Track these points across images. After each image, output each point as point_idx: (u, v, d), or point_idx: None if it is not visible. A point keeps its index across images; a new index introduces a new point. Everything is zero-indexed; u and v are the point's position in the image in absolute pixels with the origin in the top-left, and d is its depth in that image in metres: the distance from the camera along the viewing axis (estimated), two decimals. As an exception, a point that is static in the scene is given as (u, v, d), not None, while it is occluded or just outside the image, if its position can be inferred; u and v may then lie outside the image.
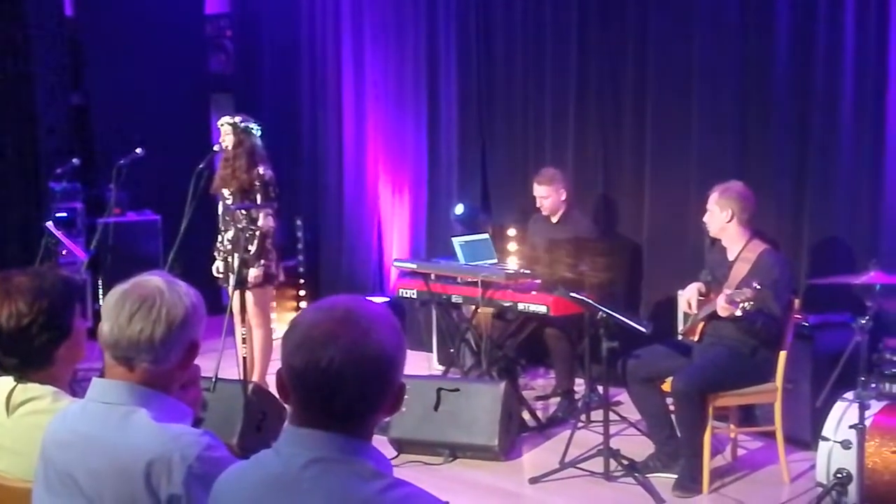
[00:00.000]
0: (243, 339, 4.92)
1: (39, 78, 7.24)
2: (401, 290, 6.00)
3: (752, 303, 4.09)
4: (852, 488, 3.88)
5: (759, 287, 4.08)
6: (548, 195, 5.72)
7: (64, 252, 6.47)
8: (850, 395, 4.02)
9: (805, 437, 4.76)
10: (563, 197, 5.75)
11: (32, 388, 2.25)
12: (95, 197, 7.40)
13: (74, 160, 6.42)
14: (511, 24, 6.67)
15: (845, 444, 3.92)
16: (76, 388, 2.48)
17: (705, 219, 4.64)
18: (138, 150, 5.70)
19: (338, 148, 7.90)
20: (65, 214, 6.96)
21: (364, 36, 7.68)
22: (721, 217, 4.53)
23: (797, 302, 4.58)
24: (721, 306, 4.22)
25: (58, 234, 6.00)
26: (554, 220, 5.79)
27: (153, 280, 1.98)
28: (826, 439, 4.03)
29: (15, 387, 2.25)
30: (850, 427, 3.85)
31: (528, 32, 6.58)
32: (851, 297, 4.74)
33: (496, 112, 6.84)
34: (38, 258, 5.83)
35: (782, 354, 4.48)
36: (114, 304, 1.95)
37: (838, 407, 4.06)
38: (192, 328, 1.99)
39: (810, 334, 4.80)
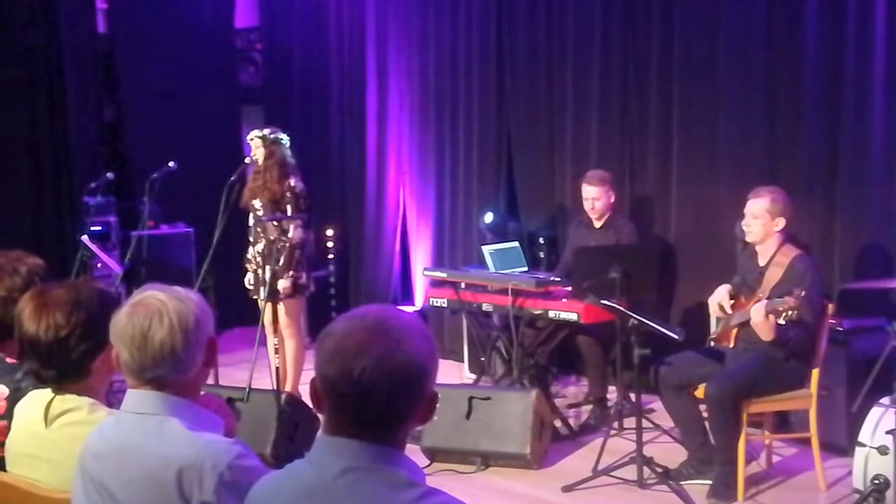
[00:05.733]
0: (276, 349, 4.96)
1: (73, 93, 7.34)
2: (431, 299, 6.01)
3: (795, 311, 4.06)
4: (890, 494, 3.84)
5: (803, 294, 4.05)
6: (599, 196, 5.64)
7: (99, 265, 6.56)
8: (886, 400, 3.98)
9: (841, 442, 4.71)
10: (612, 199, 5.70)
11: (70, 400, 2.27)
12: (129, 210, 7.48)
13: (108, 174, 6.51)
14: (533, 32, 6.67)
15: (882, 450, 3.87)
16: (112, 399, 2.50)
17: (747, 225, 4.55)
18: (171, 164, 5.76)
19: (366, 158, 7.95)
20: (99, 228, 7.04)
21: (389, 46, 7.73)
22: (770, 225, 4.47)
23: (831, 306, 4.54)
24: (759, 314, 4.18)
25: (93, 247, 6.08)
26: (597, 224, 5.74)
27: (151, 295, 1.98)
28: (862, 445, 3.99)
29: (53, 398, 2.27)
30: (887, 432, 3.81)
31: (551, 39, 6.58)
32: (886, 301, 4.69)
33: (520, 119, 6.84)
34: (73, 271, 5.90)
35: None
36: (122, 329, 1.95)
37: (874, 412, 4.02)
38: (206, 326, 2.00)
39: (845, 339, 4.74)
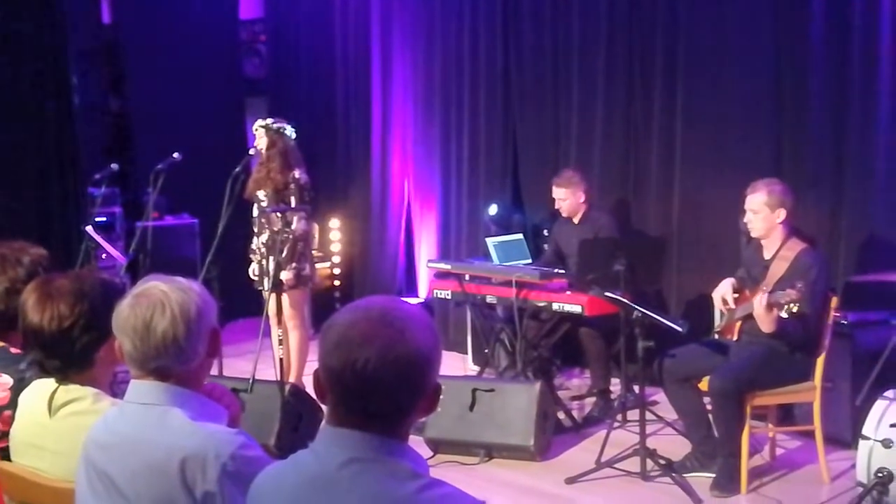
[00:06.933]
0: (280, 340, 4.96)
1: (77, 84, 7.34)
2: (435, 291, 6.01)
3: (797, 304, 4.05)
4: (893, 487, 3.82)
5: (802, 287, 4.04)
6: (565, 198, 5.71)
7: (103, 256, 6.56)
8: (890, 393, 3.97)
9: (845, 436, 4.70)
10: (582, 199, 5.73)
11: (74, 390, 2.27)
12: (134, 201, 7.49)
13: (113, 165, 6.50)
14: (539, 24, 6.66)
15: (886, 443, 3.86)
16: (116, 389, 2.51)
17: (748, 220, 4.52)
18: (175, 155, 5.75)
19: (371, 150, 7.94)
20: (104, 219, 7.04)
21: (394, 38, 7.72)
22: (772, 218, 4.46)
23: (835, 300, 4.52)
24: (761, 305, 4.17)
25: (97, 238, 6.08)
26: (575, 220, 5.78)
27: (153, 286, 1.98)
28: (866, 438, 3.97)
29: (57, 388, 2.28)
30: (891, 426, 3.80)
31: (556, 31, 6.57)
32: (891, 295, 4.68)
33: (525, 111, 6.83)
34: (78, 262, 5.91)
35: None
36: (125, 319, 1.96)
37: (878, 405, 4.01)
38: (208, 316, 2.00)
39: (849, 332, 4.74)
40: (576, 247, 5.44)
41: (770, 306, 4.16)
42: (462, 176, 7.26)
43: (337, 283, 8.04)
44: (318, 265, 5.95)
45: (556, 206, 5.79)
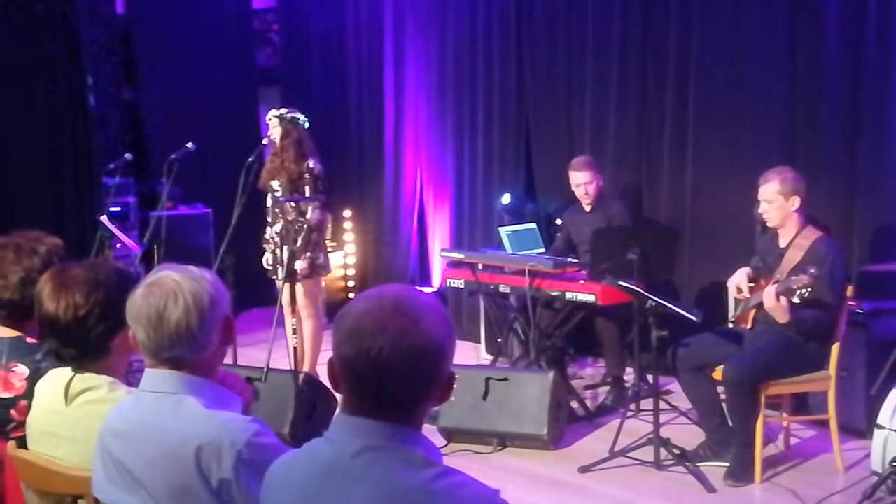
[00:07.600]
0: (294, 329, 4.97)
1: (92, 74, 7.37)
2: (449, 281, 6.01)
3: (809, 290, 4.03)
4: (909, 477, 3.81)
5: (815, 272, 4.03)
6: (590, 180, 5.67)
7: (118, 245, 6.60)
8: (905, 382, 3.96)
9: (860, 425, 4.69)
10: (601, 182, 5.72)
11: (90, 378, 2.29)
12: (148, 191, 7.52)
13: (127, 155, 6.53)
14: (552, 13, 6.63)
15: (901, 433, 3.85)
16: (131, 378, 2.52)
17: (763, 211, 4.49)
18: (189, 145, 5.77)
19: (383, 139, 7.94)
20: (118, 208, 7.08)
21: (407, 27, 7.71)
22: (787, 206, 4.43)
23: (850, 289, 4.50)
24: (770, 297, 4.15)
25: (112, 227, 6.11)
26: (587, 209, 5.76)
27: (165, 275, 1.99)
28: (881, 427, 3.96)
29: (73, 377, 2.29)
30: (907, 415, 3.79)
31: (569, 19, 6.54)
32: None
33: (538, 101, 6.81)
34: (92, 251, 5.94)
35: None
36: (138, 309, 1.96)
37: (893, 394, 3.99)
38: (220, 305, 2.00)
39: (865, 321, 4.71)
40: (588, 235, 5.42)
41: (778, 295, 4.14)
42: (475, 165, 7.25)
43: (351, 272, 8.05)
44: (331, 255, 5.95)
45: (584, 192, 5.69)
